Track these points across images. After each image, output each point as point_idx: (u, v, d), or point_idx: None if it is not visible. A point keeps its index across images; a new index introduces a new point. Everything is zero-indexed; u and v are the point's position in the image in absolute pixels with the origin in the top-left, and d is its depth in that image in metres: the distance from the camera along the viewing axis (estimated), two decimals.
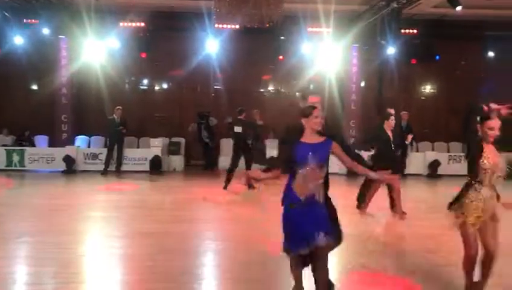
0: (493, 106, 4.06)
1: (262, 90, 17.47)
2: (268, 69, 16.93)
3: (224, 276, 5.27)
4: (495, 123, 4.03)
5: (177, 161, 15.46)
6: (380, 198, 8.37)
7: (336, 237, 4.14)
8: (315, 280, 4.10)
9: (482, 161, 4.03)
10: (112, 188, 11.98)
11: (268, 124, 12.98)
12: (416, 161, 14.83)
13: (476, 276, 4.28)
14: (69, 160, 14.30)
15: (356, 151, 7.93)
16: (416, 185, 13.15)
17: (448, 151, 15.74)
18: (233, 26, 14.34)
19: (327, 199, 4.17)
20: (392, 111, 8.37)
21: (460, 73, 16.96)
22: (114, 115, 14.27)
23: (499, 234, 4.18)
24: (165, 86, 17.39)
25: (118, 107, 14.35)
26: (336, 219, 4.34)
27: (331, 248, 4.16)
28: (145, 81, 17.30)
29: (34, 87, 16.66)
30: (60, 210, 8.72)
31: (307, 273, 4.23)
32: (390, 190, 8.21)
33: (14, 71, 15.77)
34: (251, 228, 7.55)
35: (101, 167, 14.21)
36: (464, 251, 4.18)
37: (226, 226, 7.93)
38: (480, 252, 4.18)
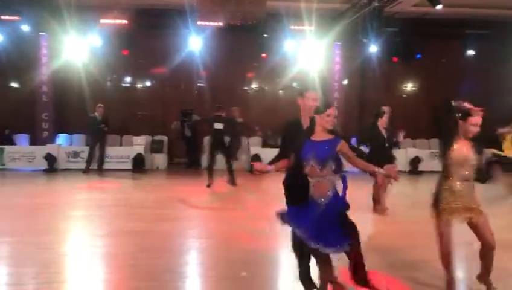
0: (466, 105, 4.20)
1: (246, 88, 17.48)
2: (251, 67, 16.93)
3: (208, 274, 5.27)
4: (478, 120, 4.16)
5: (160, 159, 15.40)
6: (361, 196, 8.43)
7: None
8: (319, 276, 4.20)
9: (450, 155, 4.18)
10: (94, 186, 11.88)
11: (247, 121, 12.96)
12: (398, 157, 14.89)
13: (477, 269, 4.42)
14: (50, 158, 14.14)
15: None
16: (399, 181, 13.25)
17: (430, 148, 15.96)
18: (216, 24, 14.30)
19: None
20: (386, 109, 8.43)
21: (440, 71, 17.17)
22: (96, 113, 14.15)
23: (489, 225, 4.24)
24: (147, 83, 17.28)
25: (99, 104, 14.23)
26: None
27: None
28: (128, 79, 17.15)
29: (14, 85, 16.36)
30: (41, 209, 8.61)
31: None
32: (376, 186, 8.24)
33: None
34: (234, 225, 7.56)
35: (83, 165, 14.07)
36: (438, 246, 4.29)
37: (209, 224, 7.94)
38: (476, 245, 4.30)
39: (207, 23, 14.49)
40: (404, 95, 17.92)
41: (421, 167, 14.82)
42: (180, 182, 12.60)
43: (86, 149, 14.40)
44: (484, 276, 4.40)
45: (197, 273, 5.39)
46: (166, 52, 15.48)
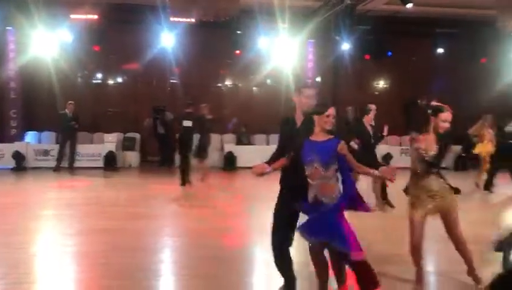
0: (434, 103, 4.39)
1: (219, 84, 17.43)
2: (225, 64, 16.88)
3: (181, 272, 5.24)
4: (448, 116, 4.30)
5: (133, 157, 15.23)
6: None
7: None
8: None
9: (411, 147, 4.37)
10: (65, 185, 11.68)
11: (217, 118, 12.88)
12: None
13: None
14: (18, 156, 13.85)
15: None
16: (369, 177, 13.43)
17: (400, 145, 16.24)
18: (188, 20, 14.20)
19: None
20: (373, 106, 8.54)
21: (411, 69, 17.48)
22: (66, 110, 13.91)
23: (458, 222, 4.35)
24: (119, 79, 17.04)
25: (70, 101, 14.00)
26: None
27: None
28: (99, 75, 16.88)
29: None
30: (10, 208, 8.41)
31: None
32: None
33: None
34: (206, 223, 7.53)
35: (53, 164, 13.83)
36: (409, 239, 4.39)
37: (181, 223, 7.89)
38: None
39: (180, 19, 14.37)
40: (376, 92, 18.17)
41: (392, 163, 15.03)
42: (152, 180, 12.49)
43: (56, 147, 14.15)
44: (469, 270, 4.49)
45: (170, 272, 5.36)
46: (138, 48, 15.30)
